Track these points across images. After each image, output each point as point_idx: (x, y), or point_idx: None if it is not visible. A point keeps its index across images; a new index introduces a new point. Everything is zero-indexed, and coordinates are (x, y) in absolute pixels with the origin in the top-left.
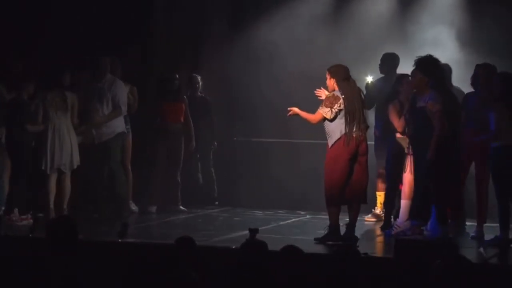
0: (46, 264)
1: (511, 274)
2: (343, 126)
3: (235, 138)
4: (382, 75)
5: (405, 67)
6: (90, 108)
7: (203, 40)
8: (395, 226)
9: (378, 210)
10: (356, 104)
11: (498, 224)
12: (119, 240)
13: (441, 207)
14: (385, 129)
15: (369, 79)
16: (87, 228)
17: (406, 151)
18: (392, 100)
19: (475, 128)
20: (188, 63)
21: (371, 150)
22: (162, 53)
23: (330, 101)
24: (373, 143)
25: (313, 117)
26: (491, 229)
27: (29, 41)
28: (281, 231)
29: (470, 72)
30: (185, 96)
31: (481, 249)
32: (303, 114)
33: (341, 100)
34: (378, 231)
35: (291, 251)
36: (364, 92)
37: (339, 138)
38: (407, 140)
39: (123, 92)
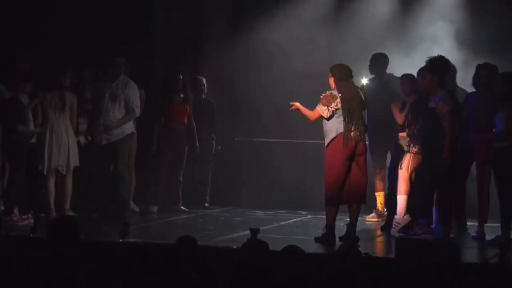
0: (47, 264)
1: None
2: (340, 125)
3: (236, 138)
4: (373, 76)
5: (405, 67)
6: (102, 107)
7: (204, 40)
8: (395, 223)
9: (379, 210)
10: (354, 104)
11: (499, 224)
12: (120, 240)
13: (442, 207)
14: (372, 126)
15: (364, 81)
16: (88, 228)
17: (405, 149)
18: (391, 99)
19: (476, 128)
20: (189, 63)
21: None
22: (162, 53)
23: (327, 100)
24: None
25: (311, 114)
26: (492, 229)
27: (28, 41)
28: (282, 231)
29: (470, 72)
30: (190, 97)
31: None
32: (304, 110)
33: (338, 99)
34: (379, 231)
35: (292, 251)
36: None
37: (334, 137)
38: (407, 139)
39: (136, 94)
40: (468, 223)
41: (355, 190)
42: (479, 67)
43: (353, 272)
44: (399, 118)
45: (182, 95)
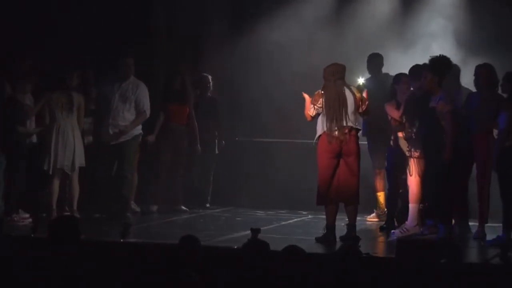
0: (48, 264)
1: None
2: (324, 124)
3: (236, 138)
4: (369, 76)
5: (405, 67)
6: (111, 107)
7: (204, 40)
8: (404, 229)
9: (380, 210)
10: (335, 103)
11: (499, 224)
12: (121, 240)
13: (443, 207)
14: (371, 129)
15: (361, 80)
16: (89, 228)
17: (407, 154)
18: (386, 99)
19: (476, 128)
20: (189, 63)
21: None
22: (162, 53)
23: (315, 99)
24: (365, 143)
25: (305, 111)
26: (493, 229)
27: (28, 41)
28: (283, 231)
29: (469, 71)
30: (191, 97)
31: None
32: (306, 105)
33: (321, 99)
34: (377, 231)
35: (293, 251)
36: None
37: (319, 136)
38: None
39: (147, 95)
40: (470, 223)
41: (344, 190)
42: (478, 67)
43: (354, 272)
44: (396, 114)
45: (182, 96)
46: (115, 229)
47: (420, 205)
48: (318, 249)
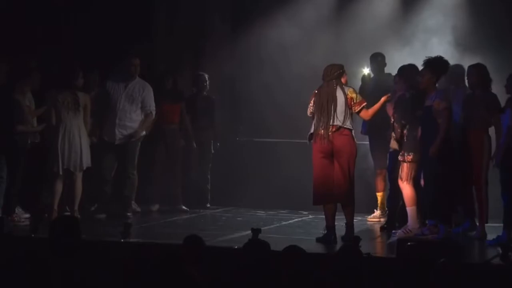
0: (48, 264)
1: None
2: (314, 123)
3: (237, 138)
4: (372, 75)
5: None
6: (117, 107)
7: (205, 39)
8: (407, 230)
9: (380, 210)
10: (324, 102)
11: (500, 224)
12: (122, 240)
13: (443, 207)
14: (372, 129)
15: (366, 71)
16: (90, 228)
17: (400, 158)
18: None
19: (471, 129)
20: (190, 62)
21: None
22: (163, 53)
23: (311, 98)
24: (367, 143)
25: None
26: (493, 229)
27: (31, 42)
28: (284, 231)
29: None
30: (182, 96)
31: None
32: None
33: (314, 98)
34: (378, 231)
35: (294, 251)
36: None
37: (310, 134)
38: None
39: (152, 96)
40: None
41: (336, 190)
42: (470, 67)
43: (355, 272)
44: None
45: (174, 94)
46: (116, 229)
47: None
48: (319, 249)
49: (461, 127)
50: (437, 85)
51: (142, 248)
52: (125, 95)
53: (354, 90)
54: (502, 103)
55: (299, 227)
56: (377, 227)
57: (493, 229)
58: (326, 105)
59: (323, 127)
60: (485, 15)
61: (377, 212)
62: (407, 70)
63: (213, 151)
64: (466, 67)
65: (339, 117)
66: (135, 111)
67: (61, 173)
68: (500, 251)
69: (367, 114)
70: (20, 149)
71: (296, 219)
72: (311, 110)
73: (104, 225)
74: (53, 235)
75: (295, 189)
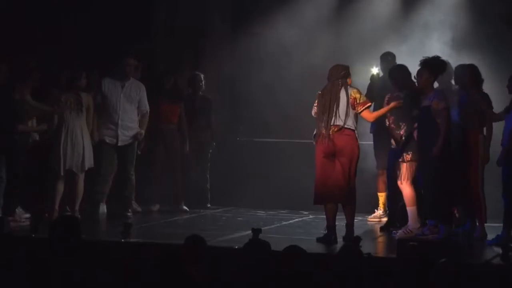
0: (48, 264)
1: None
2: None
3: (238, 138)
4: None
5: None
6: (118, 108)
7: (205, 39)
8: (407, 230)
9: (381, 210)
10: (327, 102)
11: (500, 224)
12: (122, 240)
13: (444, 207)
14: (378, 128)
15: (375, 70)
16: (90, 228)
17: (399, 159)
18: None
19: (468, 127)
20: (190, 62)
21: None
22: (163, 53)
23: (316, 98)
24: (370, 143)
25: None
26: (493, 229)
27: (28, 41)
28: (284, 231)
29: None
30: (181, 96)
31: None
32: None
33: (318, 98)
34: (378, 232)
35: (294, 251)
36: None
37: (315, 134)
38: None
39: (146, 95)
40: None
41: (336, 190)
42: (462, 68)
43: (355, 272)
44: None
45: (172, 95)
46: (116, 229)
47: None
48: (319, 249)
49: (461, 127)
50: (437, 84)
51: (142, 248)
52: (123, 95)
53: (359, 91)
54: (500, 102)
55: (300, 227)
56: (377, 227)
57: (493, 229)
58: (328, 105)
59: (325, 126)
60: (485, 15)
61: (378, 212)
62: (396, 71)
63: (210, 151)
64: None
65: (341, 117)
66: (134, 111)
67: (62, 173)
68: (500, 251)
69: (370, 115)
70: (20, 149)
71: (297, 219)
72: (315, 110)
73: (104, 225)
74: (53, 235)
75: (296, 189)
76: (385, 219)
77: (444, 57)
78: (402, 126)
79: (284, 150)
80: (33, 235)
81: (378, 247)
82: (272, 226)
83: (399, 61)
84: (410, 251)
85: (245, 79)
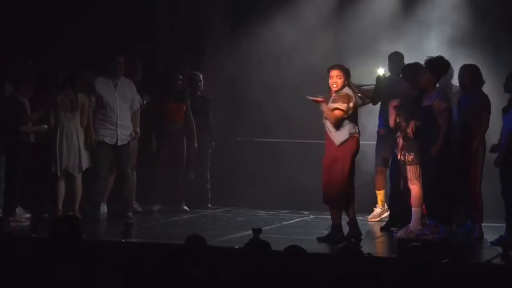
0: (49, 263)
1: None
2: (350, 126)
3: (238, 138)
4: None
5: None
6: (115, 107)
7: (205, 39)
8: (408, 230)
9: (379, 208)
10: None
11: (502, 224)
12: (123, 240)
13: (444, 207)
14: (389, 128)
15: (381, 71)
16: (90, 228)
17: (401, 159)
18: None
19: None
20: (190, 62)
21: (371, 149)
22: (163, 53)
23: (343, 100)
24: (369, 142)
25: (332, 114)
26: (494, 229)
27: (30, 42)
28: (284, 231)
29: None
30: (187, 96)
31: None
32: (326, 110)
33: (353, 99)
34: (378, 231)
35: (294, 251)
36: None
37: (347, 139)
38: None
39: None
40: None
41: (327, 193)
42: (463, 68)
43: (355, 272)
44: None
45: (180, 95)
46: (116, 229)
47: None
48: (320, 249)
49: (461, 127)
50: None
51: (142, 248)
52: (118, 94)
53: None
54: (499, 102)
55: (300, 227)
56: (377, 227)
57: (494, 229)
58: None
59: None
60: (485, 14)
61: (377, 210)
62: (410, 69)
63: (210, 151)
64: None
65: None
66: (128, 109)
67: (59, 174)
68: (501, 251)
69: (331, 115)
70: (20, 149)
71: (297, 219)
72: (348, 113)
73: (104, 225)
74: (53, 235)
75: (296, 189)
76: (385, 215)
77: (447, 57)
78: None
79: (284, 150)
80: (33, 235)
81: (378, 247)
82: (273, 226)
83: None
84: (411, 251)
85: (245, 79)
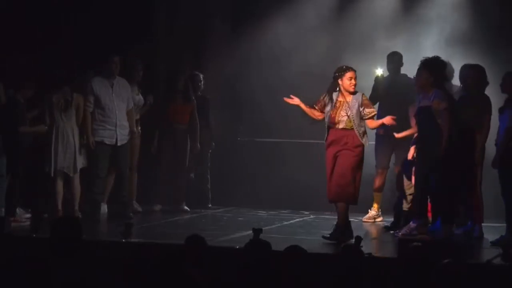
0: (49, 263)
1: None
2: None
3: (238, 138)
4: (387, 74)
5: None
6: (113, 107)
7: (205, 39)
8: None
9: (374, 211)
10: None
11: (503, 224)
12: (123, 240)
13: (443, 207)
14: (388, 128)
15: (379, 71)
16: (91, 228)
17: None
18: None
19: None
20: (190, 63)
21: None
22: (163, 53)
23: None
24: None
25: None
26: (495, 229)
27: (29, 42)
28: (285, 231)
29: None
30: (192, 96)
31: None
32: (374, 123)
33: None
34: (379, 232)
35: (295, 251)
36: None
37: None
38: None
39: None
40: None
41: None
42: (467, 68)
43: (355, 272)
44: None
45: (185, 95)
46: (117, 229)
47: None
48: (320, 249)
49: (462, 127)
50: None
51: (142, 248)
52: (115, 95)
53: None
54: (497, 102)
55: (301, 227)
56: (377, 227)
57: (494, 229)
58: None
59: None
60: (484, 14)
61: (371, 213)
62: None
63: (210, 151)
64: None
65: None
66: (125, 109)
67: (52, 174)
68: (501, 251)
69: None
70: (20, 149)
71: (298, 219)
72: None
73: (105, 225)
74: (53, 235)
75: (296, 189)
76: (379, 219)
77: (445, 56)
78: None
79: (284, 150)
80: (34, 235)
81: (379, 247)
82: (273, 226)
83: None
84: (411, 251)
85: (246, 79)
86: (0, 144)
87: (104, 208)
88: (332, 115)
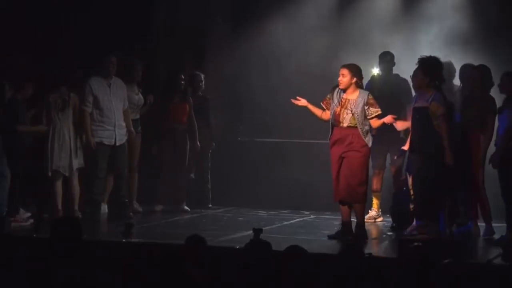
0: (50, 264)
1: None
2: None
3: (238, 138)
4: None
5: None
6: (111, 107)
7: (205, 39)
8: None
9: (374, 211)
10: None
11: (504, 224)
12: (123, 240)
13: (431, 205)
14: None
15: (375, 71)
16: (91, 228)
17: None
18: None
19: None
20: (190, 63)
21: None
22: (163, 53)
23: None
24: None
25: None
26: (496, 229)
27: (28, 42)
28: (285, 231)
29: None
30: (190, 96)
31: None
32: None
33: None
34: (379, 232)
35: (295, 251)
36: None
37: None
38: None
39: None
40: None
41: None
42: (472, 69)
43: (355, 272)
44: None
45: (183, 95)
46: (117, 229)
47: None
48: (320, 249)
49: (462, 127)
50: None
51: (142, 248)
52: (113, 95)
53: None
54: (497, 102)
55: (301, 227)
56: (377, 227)
57: (495, 229)
58: None
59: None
60: (484, 14)
61: (371, 213)
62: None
63: (210, 151)
64: (471, 67)
65: None
66: (121, 109)
67: (49, 174)
68: (502, 251)
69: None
70: (20, 149)
71: (298, 219)
72: None
73: (105, 225)
74: (54, 235)
75: (297, 189)
76: (380, 219)
77: (444, 56)
78: None
79: (284, 150)
80: (34, 235)
81: (379, 247)
82: (273, 226)
83: (398, 60)
84: (411, 251)
85: (246, 79)
86: (0, 144)
87: (104, 208)
88: (337, 112)
